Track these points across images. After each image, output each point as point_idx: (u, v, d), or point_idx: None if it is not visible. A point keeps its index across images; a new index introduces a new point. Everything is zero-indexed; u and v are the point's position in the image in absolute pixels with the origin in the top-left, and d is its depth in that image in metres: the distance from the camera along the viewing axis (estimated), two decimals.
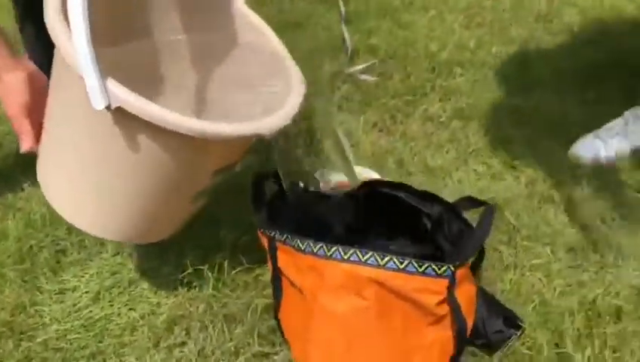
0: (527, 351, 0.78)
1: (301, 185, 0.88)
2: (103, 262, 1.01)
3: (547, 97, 1.33)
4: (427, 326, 0.72)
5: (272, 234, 0.80)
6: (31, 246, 1.03)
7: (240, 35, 0.94)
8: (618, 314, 0.84)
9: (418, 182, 1.12)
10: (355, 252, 0.69)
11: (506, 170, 1.14)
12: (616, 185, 1.07)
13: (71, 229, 1.06)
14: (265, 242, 0.83)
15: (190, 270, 0.94)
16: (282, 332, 0.84)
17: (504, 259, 0.94)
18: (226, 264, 0.94)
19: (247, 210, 0.88)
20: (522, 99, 1.33)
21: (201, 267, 0.94)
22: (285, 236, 0.77)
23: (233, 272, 0.94)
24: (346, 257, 0.69)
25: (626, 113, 1.18)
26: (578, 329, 0.82)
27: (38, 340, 0.88)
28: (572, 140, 1.19)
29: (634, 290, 0.88)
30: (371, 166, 1.17)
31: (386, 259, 0.68)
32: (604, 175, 1.09)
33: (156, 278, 0.97)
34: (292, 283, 0.77)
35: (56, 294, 0.96)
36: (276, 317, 0.85)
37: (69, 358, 0.85)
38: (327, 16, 1.77)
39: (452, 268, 0.69)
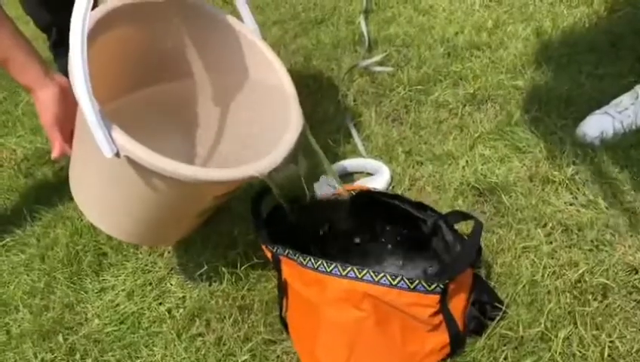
0: (508, 332, 0.83)
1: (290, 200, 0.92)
2: (137, 263, 1.12)
3: (560, 74, 1.33)
4: (425, 334, 0.79)
5: (274, 250, 0.88)
6: (77, 252, 1.17)
7: (255, 74, 1.01)
8: (604, 292, 0.86)
9: (427, 172, 1.16)
10: (352, 269, 0.76)
11: (512, 152, 1.16)
12: (620, 163, 1.07)
13: (110, 235, 1.19)
14: (269, 255, 0.91)
15: (208, 267, 1.04)
16: (287, 331, 0.92)
17: (500, 241, 0.98)
18: (239, 260, 1.04)
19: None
20: (535, 78, 1.34)
21: (218, 264, 1.04)
22: (287, 251, 0.85)
23: (246, 267, 1.03)
24: (344, 273, 0.77)
25: (637, 87, 1.17)
26: (563, 309, 0.85)
27: (81, 333, 1.01)
28: (581, 118, 1.19)
29: (626, 267, 0.89)
30: (382, 157, 1.23)
31: (380, 275, 0.75)
32: (608, 152, 1.09)
33: (182, 275, 1.08)
34: (297, 293, 0.85)
35: (97, 292, 1.09)
36: (281, 317, 0.92)
37: (106, 349, 0.98)
38: (349, 10, 1.82)
39: (442, 286, 0.76)
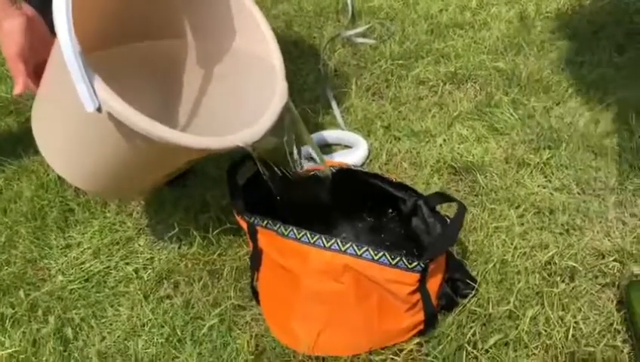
0: (477, 308, 0.84)
1: (276, 169, 0.90)
2: (105, 221, 1.10)
3: (541, 59, 1.33)
4: (402, 311, 0.79)
5: (252, 220, 0.86)
6: (42, 206, 1.13)
7: (243, 42, 0.97)
8: (572, 275, 0.88)
9: (404, 148, 1.16)
10: (335, 241, 0.76)
11: (490, 133, 1.17)
12: (595, 151, 1.08)
13: (77, 191, 1.16)
14: (244, 225, 0.88)
15: (179, 229, 1.03)
16: (258, 300, 0.91)
17: (473, 220, 0.98)
18: (211, 224, 1.02)
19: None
20: (516, 61, 1.34)
21: (189, 227, 1.02)
22: (266, 222, 0.83)
23: (218, 232, 1.01)
24: (327, 245, 0.76)
25: None
26: (531, 289, 0.86)
27: (44, 290, 0.98)
28: (560, 103, 1.20)
29: (594, 252, 0.91)
30: (360, 130, 1.22)
31: (363, 249, 0.75)
32: (582, 139, 1.10)
33: (151, 236, 1.05)
34: (274, 263, 0.83)
35: (61, 249, 1.06)
36: (252, 286, 0.91)
37: (69, 306, 0.95)
38: None
39: (422, 265, 0.75)
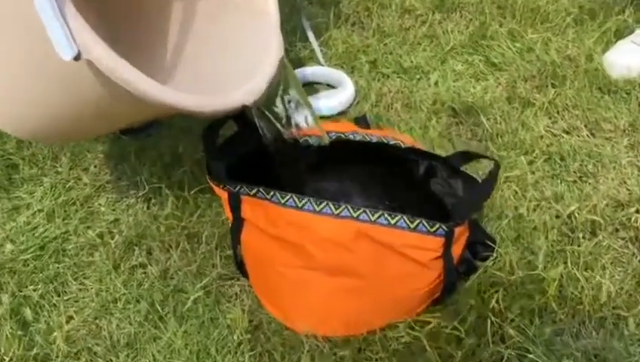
0: (498, 272, 0.76)
1: (278, 126, 0.77)
2: (57, 177, 0.95)
3: None
4: (423, 283, 0.69)
5: (235, 189, 0.72)
6: None
7: None
8: (593, 229, 0.81)
9: (395, 87, 1.04)
10: (346, 207, 0.66)
11: (488, 68, 1.07)
12: (603, 90, 1.00)
13: (20, 144, 0.99)
14: (223, 195, 0.74)
15: (148, 187, 0.89)
16: (245, 275, 0.79)
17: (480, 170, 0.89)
18: (186, 181, 0.89)
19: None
20: None
21: (160, 184, 0.89)
22: (255, 190, 0.70)
23: (195, 190, 0.88)
24: (336, 213, 0.66)
25: None
26: (551, 246, 0.79)
27: None
28: (558, 34, 1.11)
29: (612, 202, 0.84)
30: (343, 66, 1.09)
31: (377, 214, 0.66)
32: (586, 75, 1.02)
33: (113, 194, 0.92)
34: (264, 233, 0.71)
35: (8, 212, 0.91)
36: (236, 262, 0.78)
37: (25, 281, 0.82)
38: None
39: (445, 228, 0.66)
